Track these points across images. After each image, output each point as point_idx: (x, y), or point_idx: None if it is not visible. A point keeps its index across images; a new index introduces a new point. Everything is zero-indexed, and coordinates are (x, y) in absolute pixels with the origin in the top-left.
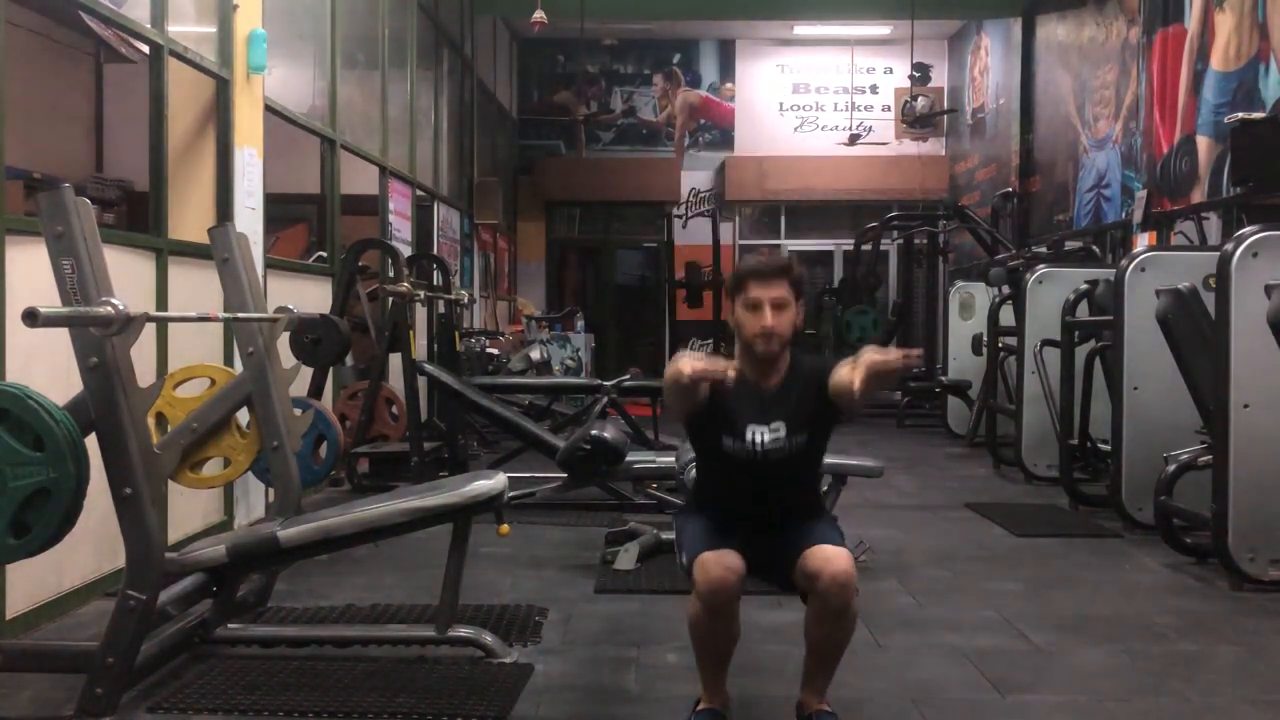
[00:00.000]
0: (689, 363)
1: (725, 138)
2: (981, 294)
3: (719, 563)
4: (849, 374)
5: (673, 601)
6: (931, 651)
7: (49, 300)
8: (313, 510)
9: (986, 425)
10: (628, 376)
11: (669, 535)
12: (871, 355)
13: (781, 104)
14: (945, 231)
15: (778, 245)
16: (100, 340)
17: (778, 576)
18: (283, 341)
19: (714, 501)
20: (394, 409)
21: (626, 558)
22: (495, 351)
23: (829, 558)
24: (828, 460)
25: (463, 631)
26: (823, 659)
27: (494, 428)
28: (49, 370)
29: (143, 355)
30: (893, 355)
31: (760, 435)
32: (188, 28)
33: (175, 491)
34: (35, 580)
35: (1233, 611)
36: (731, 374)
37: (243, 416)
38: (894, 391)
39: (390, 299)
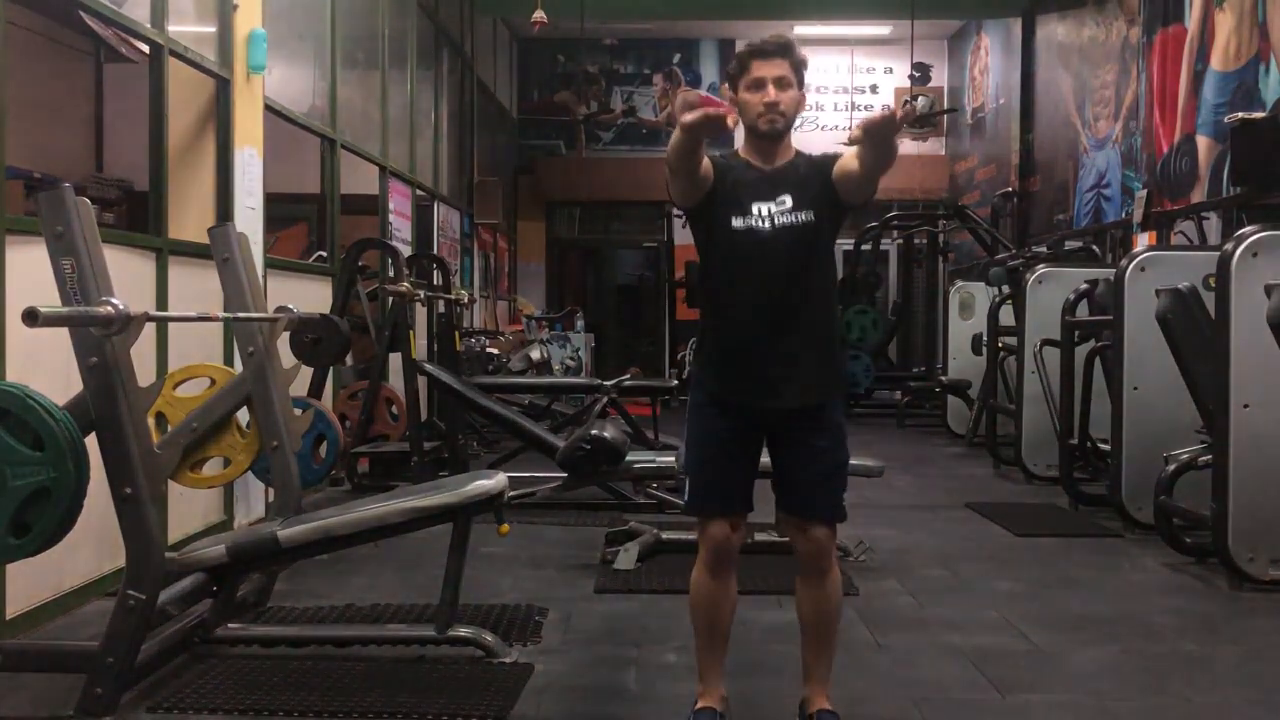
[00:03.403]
0: (689, 113)
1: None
2: (981, 294)
3: (722, 528)
4: (852, 153)
5: (673, 601)
6: (931, 651)
7: (49, 300)
8: (313, 510)
9: (986, 425)
10: (628, 376)
11: (669, 535)
12: (866, 119)
13: None
14: (945, 231)
15: None
16: (100, 340)
17: (776, 478)
18: (283, 341)
19: (720, 337)
20: (394, 409)
21: (626, 558)
22: (495, 351)
23: (804, 525)
24: None
25: (463, 631)
26: (815, 637)
27: (494, 427)
28: (49, 370)
29: (143, 355)
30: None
31: (767, 209)
32: (188, 28)
33: (175, 491)
34: (35, 580)
35: (1233, 611)
36: (732, 118)
37: (243, 416)
38: (894, 391)
39: (390, 299)
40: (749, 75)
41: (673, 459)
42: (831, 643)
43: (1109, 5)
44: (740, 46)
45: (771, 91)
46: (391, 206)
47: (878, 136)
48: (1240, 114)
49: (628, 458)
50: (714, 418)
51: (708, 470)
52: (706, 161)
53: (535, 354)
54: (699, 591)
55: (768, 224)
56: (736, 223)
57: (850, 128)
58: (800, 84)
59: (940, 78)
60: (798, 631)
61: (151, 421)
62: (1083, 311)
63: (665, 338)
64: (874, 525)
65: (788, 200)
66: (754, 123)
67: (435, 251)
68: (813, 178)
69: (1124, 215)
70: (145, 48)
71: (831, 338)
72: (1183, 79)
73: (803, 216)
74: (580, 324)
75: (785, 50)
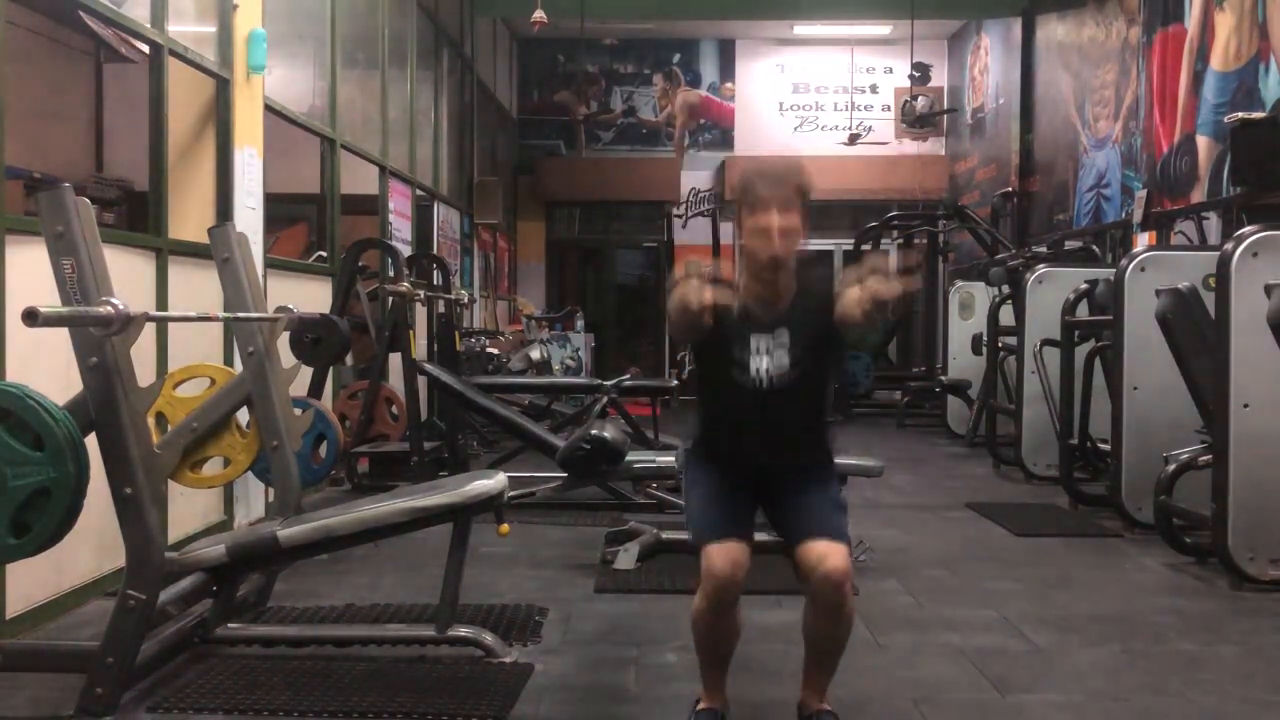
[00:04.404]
0: (695, 293)
1: (725, 138)
2: (981, 294)
3: (726, 558)
4: (853, 299)
5: (673, 601)
6: (931, 651)
7: (49, 300)
8: (313, 510)
9: (986, 425)
10: (628, 376)
11: (669, 535)
12: (875, 283)
13: (781, 104)
14: (945, 231)
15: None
16: (100, 340)
17: (780, 533)
18: (283, 341)
19: (718, 437)
20: (394, 409)
21: (626, 558)
22: (495, 351)
23: (823, 555)
24: None
25: (463, 631)
26: (821, 657)
27: (494, 428)
28: (49, 370)
29: (143, 355)
30: (894, 284)
31: (765, 347)
32: (188, 27)
33: (175, 491)
34: (35, 580)
35: (1233, 611)
36: (735, 301)
37: (243, 416)
38: (894, 391)
39: (390, 299)
40: (753, 201)
41: (673, 459)
42: (837, 662)
43: (1109, 5)
44: (748, 176)
45: (776, 241)
46: (391, 206)
47: (883, 308)
48: (1240, 114)
49: (628, 458)
50: (714, 472)
51: (712, 504)
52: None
53: (535, 354)
54: (701, 625)
55: (765, 374)
56: (734, 369)
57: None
58: (805, 209)
59: (940, 78)
60: (797, 631)
61: (151, 421)
62: (1083, 311)
63: (665, 338)
64: (874, 525)
65: (785, 348)
66: (755, 252)
67: (435, 251)
68: (812, 320)
69: (1124, 215)
70: (145, 48)
71: (824, 438)
72: (1183, 79)
73: (800, 363)
74: (580, 324)
75: (792, 176)
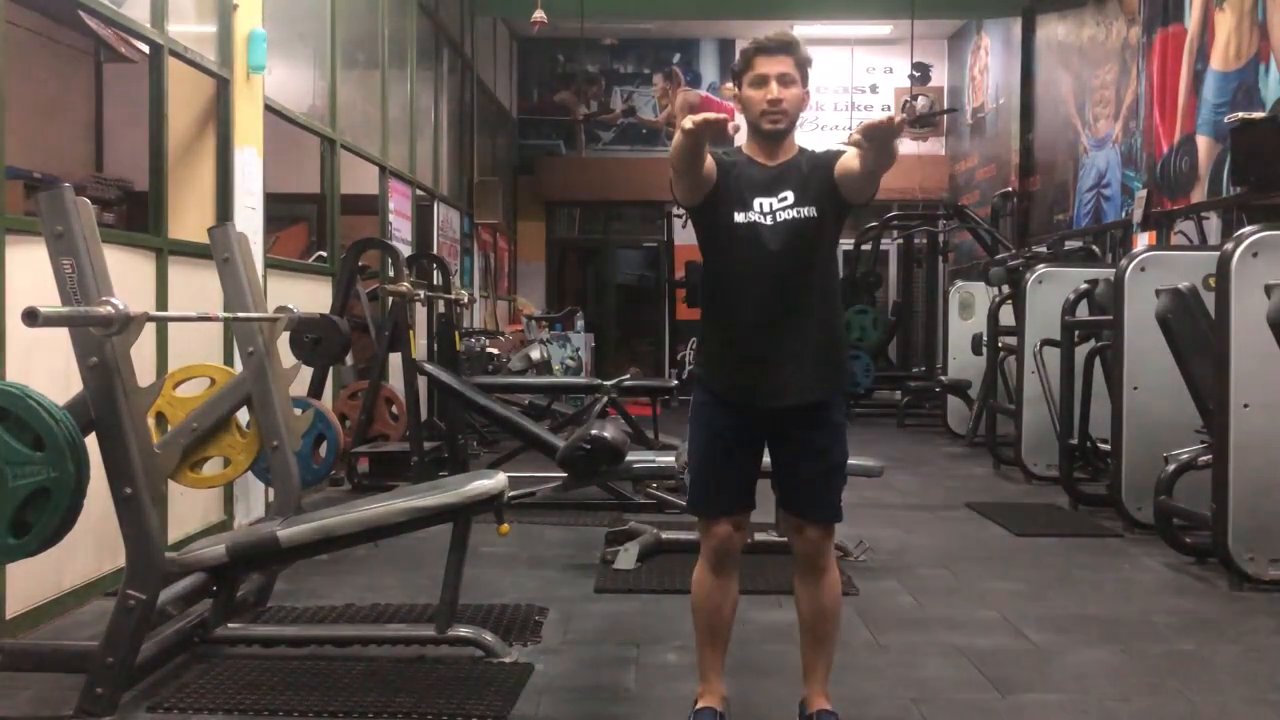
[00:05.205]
0: (690, 117)
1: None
2: (981, 294)
3: (726, 523)
4: (851, 150)
5: (673, 601)
6: (931, 651)
7: (49, 300)
8: (313, 510)
9: (986, 425)
10: (628, 376)
11: (669, 535)
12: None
13: None
14: (945, 231)
15: None
16: (100, 340)
17: (776, 487)
18: (283, 341)
19: (723, 334)
20: (394, 409)
21: (626, 558)
22: (495, 351)
23: (802, 526)
24: None
25: (463, 631)
26: (816, 635)
27: (494, 428)
28: (49, 370)
29: (143, 355)
30: (883, 118)
31: (769, 204)
32: (188, 27)
33: (175, 491)
34: (35, 580)
35: (1233, 611)
36: (733, 125)
37: (243, 416)
38: (894, 391)
39: (390, 299)
40: (753, 72)
41: (673, 459)
42: (830, 642)
43: (1109, 5)
44: (744, 44)
45: (774, 89)
46: (391, 206)
47: (878, 141)
48: (1240, 114)
49: (628, 458)
50: (717, 416)
51: (710, 470)
52: (710, 160)
53: (535, 354)
54: (701, 589)
55: (769, 219)
56: (739, 218)
57: (851, 128)
58: (804, 81)
59: (940, 78)
60: (798, 631)
61: (151, 421)
62: (1083, 311)
63: (665, 338)
64: (874, 525)
65: (789, 196)
66: (757, 120)
67: (435, 251)
68: (815, 174)
69: (1124, 215)
70: (145, 48)
71: (835, 333)
72: (1183, 79)
73: (805, 212)
74: (580, 324)
75: (790, 47)
